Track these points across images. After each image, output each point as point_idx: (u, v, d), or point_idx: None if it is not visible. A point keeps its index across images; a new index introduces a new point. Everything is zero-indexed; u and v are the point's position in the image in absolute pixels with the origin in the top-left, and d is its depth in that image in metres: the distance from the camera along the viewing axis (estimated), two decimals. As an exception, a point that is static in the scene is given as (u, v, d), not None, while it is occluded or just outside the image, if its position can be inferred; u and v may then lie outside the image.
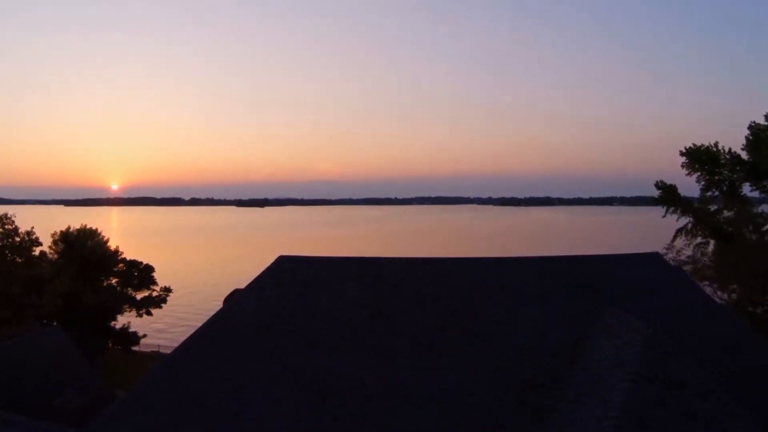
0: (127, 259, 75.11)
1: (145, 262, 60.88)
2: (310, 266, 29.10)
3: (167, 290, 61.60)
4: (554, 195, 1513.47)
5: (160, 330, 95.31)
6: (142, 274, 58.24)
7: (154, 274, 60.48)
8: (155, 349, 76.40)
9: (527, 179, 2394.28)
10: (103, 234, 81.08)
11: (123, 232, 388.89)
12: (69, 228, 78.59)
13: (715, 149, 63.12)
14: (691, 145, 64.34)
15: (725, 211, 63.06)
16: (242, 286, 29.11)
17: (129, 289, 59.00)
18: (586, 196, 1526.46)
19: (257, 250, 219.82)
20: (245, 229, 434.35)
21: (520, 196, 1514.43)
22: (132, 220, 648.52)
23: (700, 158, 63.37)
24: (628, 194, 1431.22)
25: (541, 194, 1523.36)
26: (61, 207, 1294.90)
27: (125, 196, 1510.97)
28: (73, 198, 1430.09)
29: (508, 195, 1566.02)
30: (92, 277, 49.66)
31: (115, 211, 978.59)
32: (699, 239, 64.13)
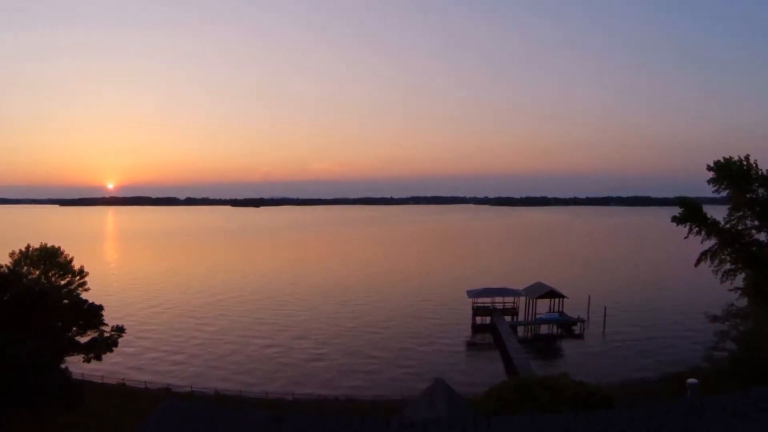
0: (78, 291, 68.16)
1: (91, 301, 53.84)
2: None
3: (119, 330, 54.31)
4: (550, 195, 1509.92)
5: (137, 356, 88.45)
6: (88, 313, 51.03)
7: (103, 312, 53.28)
8: (120, 381, 69.51)
9: (523, 179, 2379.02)
10: (67, 254, 74.20)
11: (103, 236, 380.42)
12: (29, 247, 71.71)
13: (746, 164, 56.05)
14: (721, 159, 57.30)
15: (756, 233, 56.46)
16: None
17: (75, 328, 51.81)
18: (582, 196, 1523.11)
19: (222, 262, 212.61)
20: (224, 234, 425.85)
21: (517, 195, 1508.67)
22: (122, 221, 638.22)
23: (729, 173, 56.31)
24: (624, 194, 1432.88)
25: (537, 194, 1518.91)
26: (56, 207, 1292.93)
27: (121, 195, 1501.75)
28: (69, 197, 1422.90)
29: (504, 195, 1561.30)
30: (23, 322, 42.90)
31: (109, 211, 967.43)
32: (727, 265, 57.10)
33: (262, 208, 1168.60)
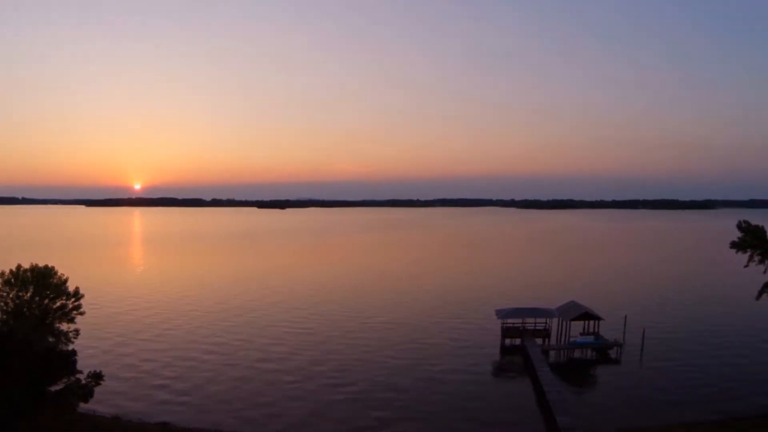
0: (73, 316, 62.63)
1: (69, 348, 47.99)
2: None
3: (96, 377, 48.30)
4: (577, 197, 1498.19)
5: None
6: (58, 362, 45.34)
7: (76, 357, 47.42)
8: (114, 415, 63.37)
9: (549, 181, 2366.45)
10: (61, 274, 68.67)
11: (122, 241, 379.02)
12: (19, 267, 66.19)
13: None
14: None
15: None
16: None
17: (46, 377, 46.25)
18: (608, 198, 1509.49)
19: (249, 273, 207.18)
20: (258, 237, 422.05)
21: (543, 198, 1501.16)
22: (144, 224, 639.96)
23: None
24: (651, 197, 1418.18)
25: (563, 196, 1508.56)
26: (82, 207, 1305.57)
27: (147, 196, 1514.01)
28: (95, 198, 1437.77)
29: (531, 197, 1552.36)
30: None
31: (134, 213, 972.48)
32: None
33: (287, 210, 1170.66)
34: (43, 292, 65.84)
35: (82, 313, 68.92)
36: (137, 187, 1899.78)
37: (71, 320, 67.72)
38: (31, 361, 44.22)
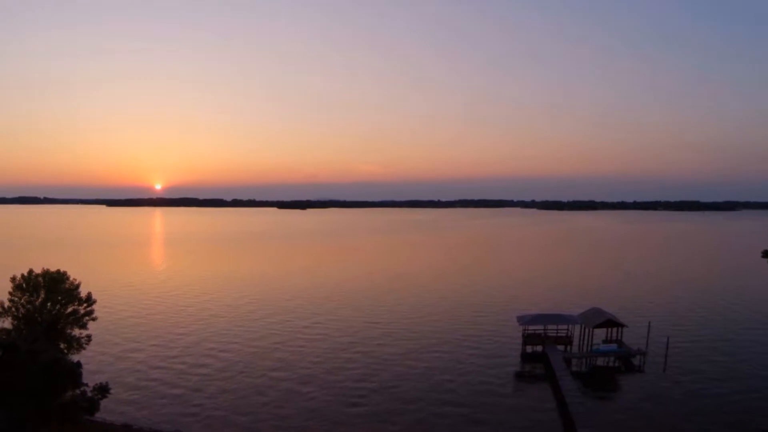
0: (85, 321, 61.84)
1: (75, 360, 46.69)
2: None
3: (102, 390, 46.94)
4: (598, 199, 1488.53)
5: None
6: (63, 374, 44.12)
7: (81, 369, 46.17)
8: (126, 424, 62.05)
9: (570, 182, 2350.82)
10: (74, 279, 67.85)
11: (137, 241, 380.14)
12: (31, 272, 65.38)
13: None
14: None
15: None
16: None
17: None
18: (629, 200, 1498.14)
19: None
20: (277, 239, 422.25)
21: (564, 199, 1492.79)
22: (163, 223, 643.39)
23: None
24: (672, 198, 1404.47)
25: (584, 198, 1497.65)
26: (103, 207, 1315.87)
27: (168, 196, 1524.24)
28: (116, 198, 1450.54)
29: (552, 198, 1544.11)
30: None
31: (154, 213, 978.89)
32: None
33: (308, 210, 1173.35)
34: (54, 298, 65.10)
35: (94, 319, 68.18)
36: (158, 187, 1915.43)
37: (83, 326, 66.96)
38: (35, 374, 42.99)
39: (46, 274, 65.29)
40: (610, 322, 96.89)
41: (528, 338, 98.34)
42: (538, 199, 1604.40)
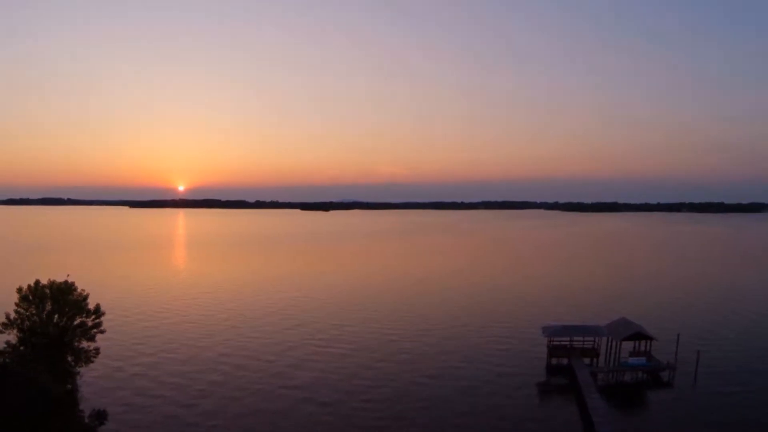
0: (93, 334, 59.66)
1: (68, 387, 44.77)
2: None
3: (100, 416, 44.77)
4: (621, 200, 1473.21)
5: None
6: (58, 401, 41.94)
7: (79, 394, 44.06)
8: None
9: (594, 184, 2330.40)
10: (82, 290, 65.84)
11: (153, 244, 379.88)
12: (38, 283, 63.42)
13: None
14: None
15: None
16: None
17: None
18: (653, 201, 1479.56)
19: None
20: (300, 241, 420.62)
21: (587, 201, 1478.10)
22: (184, 225, 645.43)
23: None
24: (696, 200, 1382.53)
25: (607, 199, 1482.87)
26: (126, 208, 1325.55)
27: (191, 197, 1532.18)
28: (139, 199, 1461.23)
29: (575, 200, 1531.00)
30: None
31: (177, 214, 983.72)
32: None
33: (331, 212, 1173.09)
34: (62, 309, 63.12)
35: (102, 332, 66.25)
36: (181, 188, 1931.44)
37: (91, 338, 64.92)
38: (28, 401, 40.71)
39: (53, 284, 63.36)
40: (639, 335, 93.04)
41: (553, 350, 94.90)
42: (560, 200, 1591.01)
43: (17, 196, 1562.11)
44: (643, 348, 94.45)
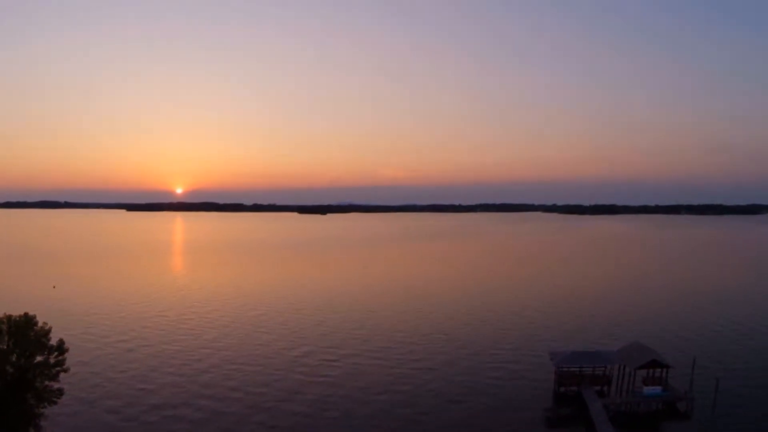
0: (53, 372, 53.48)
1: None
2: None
3: None
4: (620, 203, 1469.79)
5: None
6: None
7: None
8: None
9: (592, 186, 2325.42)
10: (43, 323, 59.59)
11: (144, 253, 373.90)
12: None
13: None
14: None
15: None
16: None
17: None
18: (651, 203, 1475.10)
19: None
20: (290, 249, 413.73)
21: (585, 203, 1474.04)
22: (178, 230, 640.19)
23: None
24: (694, 202, 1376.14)
25: (606, 201, 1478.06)
26: (122, 212, 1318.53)
27: (188, 200, 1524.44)
28: (137, 202, 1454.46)
29: (573, 202, 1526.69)
30: None
31: (174, 217, 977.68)
32: None
33: (328, 215, 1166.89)
34: (21, 345, 56.77)
35: (65, 370, 59.90)
36: (179, 191, 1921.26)
37: (53, 377, 58.52)
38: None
39: (9, 319, 56.98)
40: (655, 363, 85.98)
41: (561, 377, 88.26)
42: (559, 202, 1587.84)
43: (14, 199, 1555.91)
44: (658, 374, 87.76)
